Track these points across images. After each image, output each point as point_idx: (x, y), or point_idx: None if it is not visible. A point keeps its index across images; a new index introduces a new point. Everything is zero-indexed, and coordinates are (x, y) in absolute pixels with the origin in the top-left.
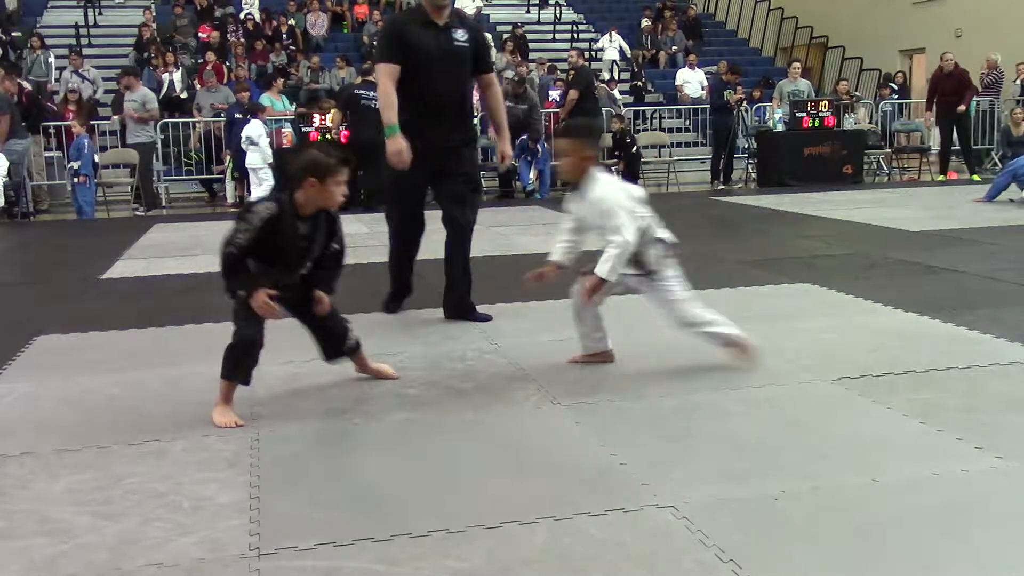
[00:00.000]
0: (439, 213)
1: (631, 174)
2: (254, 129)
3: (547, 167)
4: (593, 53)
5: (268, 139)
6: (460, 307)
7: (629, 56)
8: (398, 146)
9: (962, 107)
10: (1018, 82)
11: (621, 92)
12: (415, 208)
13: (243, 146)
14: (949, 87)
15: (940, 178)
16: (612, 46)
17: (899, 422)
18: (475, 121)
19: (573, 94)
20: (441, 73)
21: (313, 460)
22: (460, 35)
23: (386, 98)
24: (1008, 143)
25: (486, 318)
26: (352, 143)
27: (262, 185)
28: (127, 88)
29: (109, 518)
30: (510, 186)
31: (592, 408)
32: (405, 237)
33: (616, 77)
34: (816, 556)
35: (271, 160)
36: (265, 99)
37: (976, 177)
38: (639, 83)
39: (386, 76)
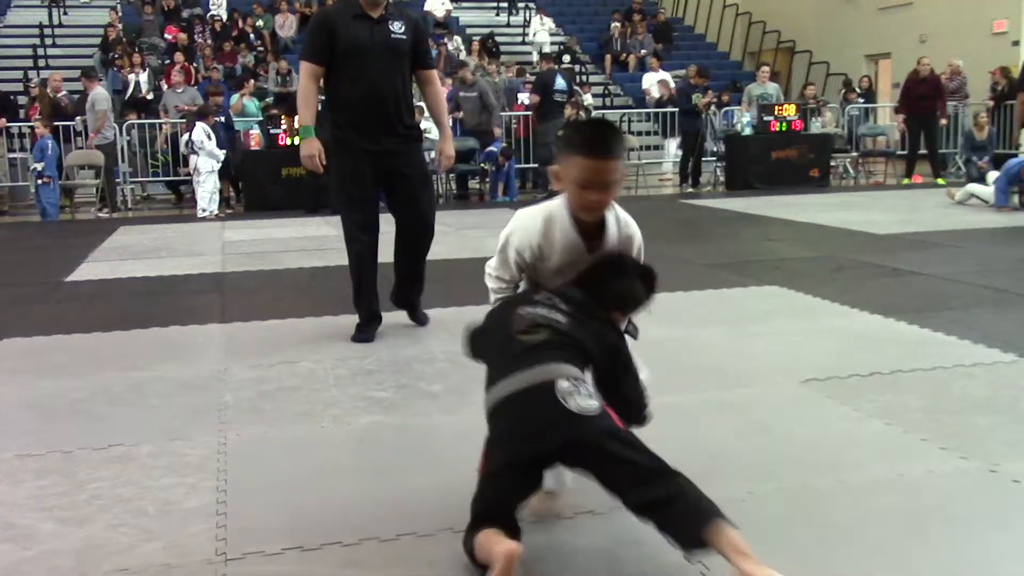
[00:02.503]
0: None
1: None
2: (197, 134)
3: (513, 169)
4: (529, 35)
5: (213, 141)
6: (405, 303)
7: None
8: (310, 149)
9: (943, 120)
10: (999, 88)
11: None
12: (366, 211)
13: (183, 150)
14: (922, 91)
15: (905, 181)
16: (543, 28)
17: (865, 423)
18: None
19: (534, 98)
20: (377, 68)
21: (281, 464)
22: (397, 27)
23: (303, 97)
24: (971, 147)
25: (424, 320)
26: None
27: (203, 186)
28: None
29: (74, 524)
30: (466, 189)
31: None
32: (358, 247)
33: (585, 80)
34: (783, 557)
35: (221, 161)
36: (236, 99)
37: (941, 181)
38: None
39: (307, 76)
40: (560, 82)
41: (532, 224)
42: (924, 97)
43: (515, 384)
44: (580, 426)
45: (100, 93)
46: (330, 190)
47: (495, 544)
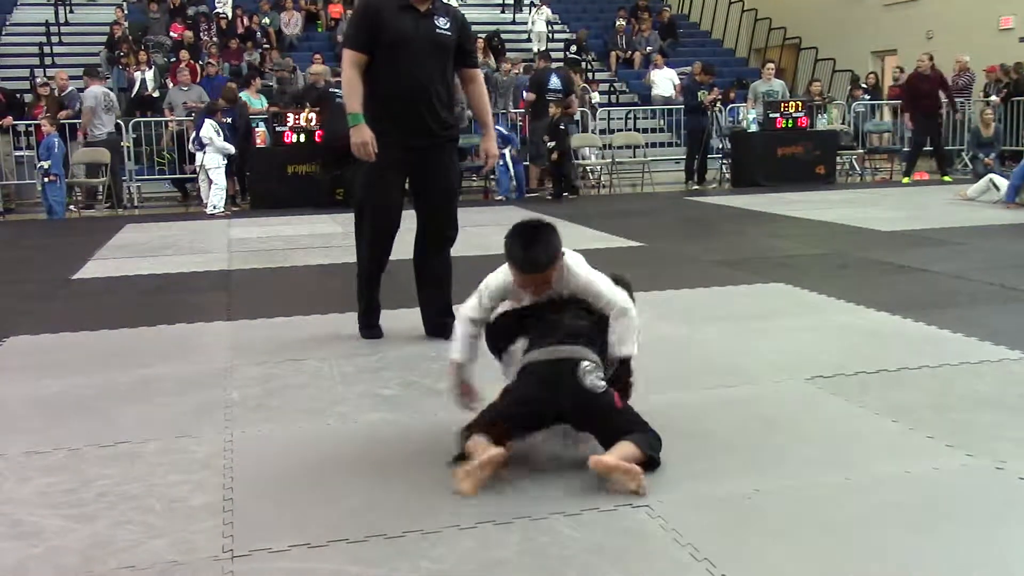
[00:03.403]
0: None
1: (561, 161)
2: (206, 130)
3: (521, 167)
4: (527, 35)
5: (222, 138)
6: (443, 329)
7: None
8: (363, 136)
9: (957, 115)
10: (1002, 84)
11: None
12: (391, 215)
13: (191, 148)
14: (925, 88)
15: (905, 180)
16: (540, 18)
17: (871, 420)
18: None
19: (530, 96)
20: (421, 62)
21: (287, 462)
22: (443, 23)
23: (350, 85)
24: (978, 144)
25: None
26: (328, 142)
27: (215, 183)
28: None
29: (80, 521)
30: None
31: None
32: (378, 248)
33: (592, 76)
34: (789, 554)
35: (229, 153)
36: (244, 97)
37: (947, 178)
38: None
39: (351, 64)
40: (555, 81)
41: (499, 283)
42: (928, 95)
43: (548, 355)
44: (589, 400)
45: (91, 92)
46: (357, 189)
47: (485, 448)
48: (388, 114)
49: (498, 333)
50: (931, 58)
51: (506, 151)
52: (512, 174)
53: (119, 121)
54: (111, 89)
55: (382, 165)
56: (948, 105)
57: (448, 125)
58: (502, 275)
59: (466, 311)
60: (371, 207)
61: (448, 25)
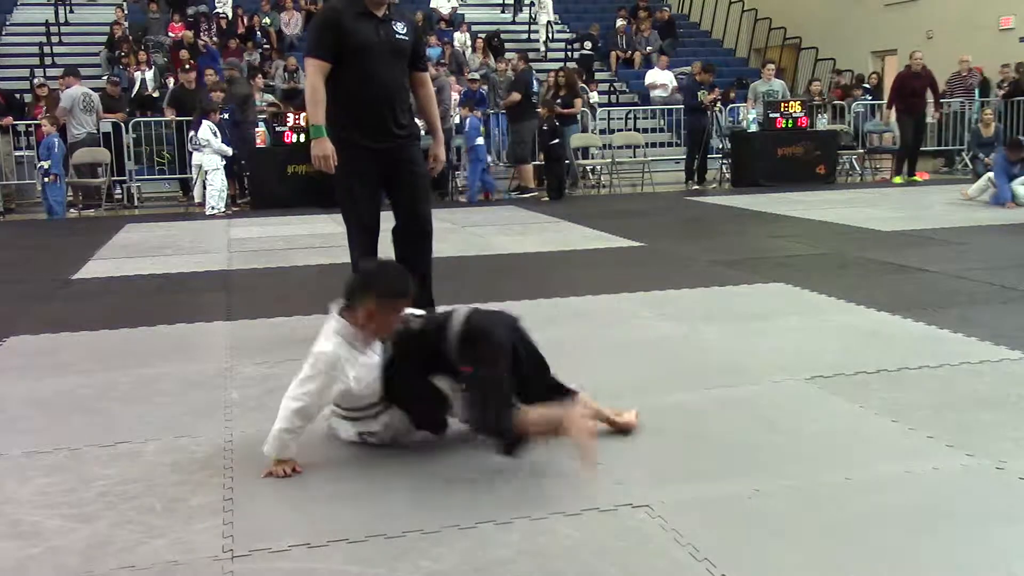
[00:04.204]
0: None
1: (554, 167)
2: (203, 131)
3: (479, 167)
4: (530, 27)
5: (220, 139)
6: None
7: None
8: (324, 150)
9: (936, 115)
10: (1003, 83)
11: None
12: (372, 217)
13: (190, 147)
14: (916, 86)
15: (897, 180)
16: (543, 11)
17: (872, 420)
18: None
19: (515, 96)
20: (383, 67)
21: None
22: (401, 28)
23: (314, 95)
24: (978, 144)
25: None
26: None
27: (211, 184)
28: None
29: (80, 521)
30: (445, 187)
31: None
32: (366, 249)
33: (592, 76)
34: (789, 554)
35: (228, 155)
36: None
37: (913, 178)
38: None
39: (316, 73)
40: (536, 84)
41: (336, 352)
42: (918, 93)
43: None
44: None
45: (68, 92)
46: (337, 193)
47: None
48: (354, 119)
49: (430, 417)
50: (921, 57)
51: (478, 142)
52: (477, 172)
53: (119, 121)
54: (115, 87)
55: (356, 167)
56: (935, 105)
57: (409, 126)
58: (331, 343)
59: (307, 403)
60: (354, 213)
61: (405, 30)
